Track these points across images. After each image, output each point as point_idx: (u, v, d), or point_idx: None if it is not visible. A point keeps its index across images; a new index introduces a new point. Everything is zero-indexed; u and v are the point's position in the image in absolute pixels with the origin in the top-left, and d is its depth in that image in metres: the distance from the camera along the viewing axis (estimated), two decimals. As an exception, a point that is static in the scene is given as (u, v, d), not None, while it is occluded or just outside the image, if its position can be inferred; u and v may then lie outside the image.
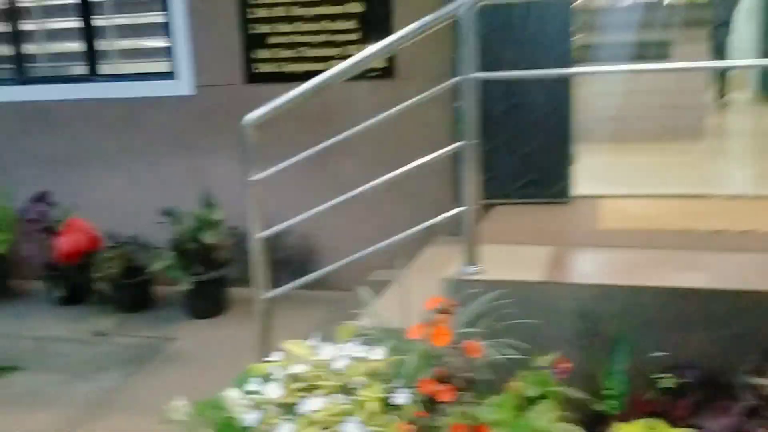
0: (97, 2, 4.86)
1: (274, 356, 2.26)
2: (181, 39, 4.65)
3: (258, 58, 4.53)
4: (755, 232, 3.11)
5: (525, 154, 4.00)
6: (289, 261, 4.70)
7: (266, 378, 2.15)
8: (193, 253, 4.30)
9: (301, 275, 4.61)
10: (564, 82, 3.90)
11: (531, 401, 2.17)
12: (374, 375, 2.01)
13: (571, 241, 3.22)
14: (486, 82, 2.71)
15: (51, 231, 4.59)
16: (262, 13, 4.47)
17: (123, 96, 4.85)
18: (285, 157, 3.15)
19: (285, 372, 2.10)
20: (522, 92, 3.91)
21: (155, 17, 4.78)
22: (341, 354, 2.13)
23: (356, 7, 4.33)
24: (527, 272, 2.72)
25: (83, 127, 4.97)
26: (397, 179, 2.82)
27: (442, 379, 1.90)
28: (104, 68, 4.96)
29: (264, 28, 4.48)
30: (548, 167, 3.97)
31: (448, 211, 2.79)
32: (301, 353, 2.25)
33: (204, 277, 4.30)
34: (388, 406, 1.93)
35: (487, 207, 3.88)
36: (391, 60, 4.28)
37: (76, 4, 4.86)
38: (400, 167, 2.84)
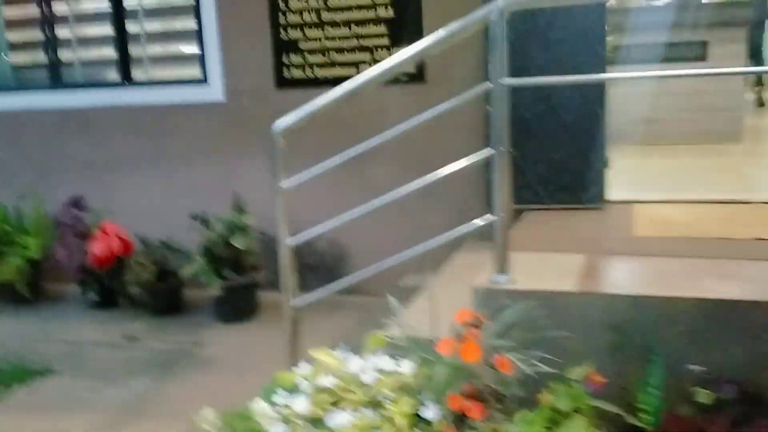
0: (131, 10, 4.90)
1: (302, 366, 2.24)
2: (213, 45, 4.67)
3: (288, 64, 4.53)
4: (797, 240, 3.02)
5: (557, 157, 3.94)
6: (319, 266, 4.70)
7: (294, 389, 2.14)
8: (224, 258, 4.32)
9: (331, 280, 4.62)
10: (597, 84, 3.83)
11: (563, 416, 2.12)
12: (403, 389, 1.98)
13: (605, 248, 3.15)
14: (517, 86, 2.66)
15: (85, 235, 4.64)
16: (292, 18, 4.47)
17: (155, 102, 4.90)
18: (314, 162, 3.13)
19: (313, 384, 2.08)
20: (554, 95, 3.85)
21: (187, 24, 4.81)
22: (370, 366, 2.11)
23: (386, 12, 4.31)
24: (559, 282, 2.66)
25: (117, 133, 5.02)
26: (427, 183, 2.78)
27: (471, 395, 1.86)
28: (138, 74, 5.00)
29: (294, 34, 4.48)
30: (581, 171, 3.91)
31: (478, 215, 2.75)
32: (330, 363, 2.23)
33: (234, 281, 4.31)
34: (417, 422, 1.90)
35: (519, 212, 3.83)
36: (420, 64, 4.25)
37: (111, 12, 4.91)
38: (429, 171, 2.81)
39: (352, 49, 4.41)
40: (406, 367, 2.07)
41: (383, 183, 4.29)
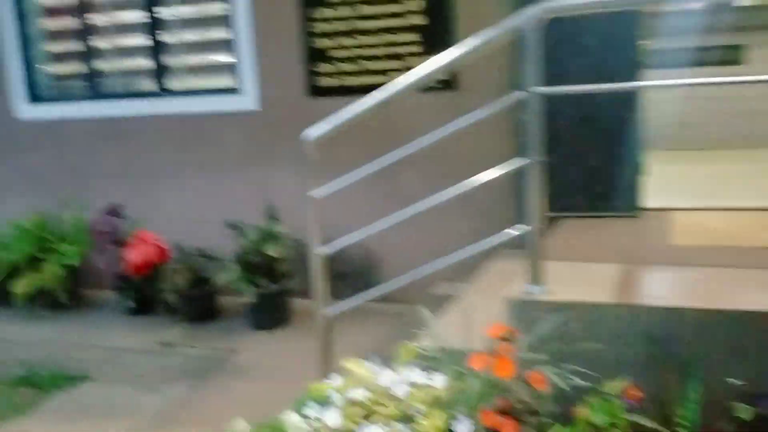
0: (167, 20, 4.97)
1: (334, 378, 2.24)
2: (246, 55, 4.71)
3: (320, 72, 4.55)
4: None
5: (592, 164, 3.89)
6: (350, 273, 4.70)
7: (325, 401, 2.13)
8: (257, 266, 4.34)
9: (363, 287, 4.62)
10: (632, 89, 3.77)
11: (599, 431, 2.08)
12: (435, 403, 1.96)
13: (642, 258, 3.09)
14: (551, 93, 2.63)
15: (122, 243, 4.70)
16: (324, 27, 4.49)
17: (190, 111, 4.95)
18: (345, 168, 3.13)
19: (344, 396, 2.07)
20: (588, 101, 3.80)
21: (221, 34, 4.86)
22: (401, 379, 2.10)
23: (418, 20, 4.30)
24: (594, 293, 2.62)
25: (152, 141, 5.09)
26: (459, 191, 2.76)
27: (505, 411, 1.84)
28: (172, 84, 5.06)
29: (326, 43, 4.50)
30: (617, 178, 3.85)
31: (511, 223, 2.72)
32: (361, 375, 2.22)
33: (267, 289, 4.33)
34: (449, 436, 1.88)
35: (553, 220, 3.79)
36: (452, 71, 4.23)
37: (146, 22, 4.98)
38: (460, 178, 2.79)
39: (383, 57, 4.41)
40: (439, 380, 2.06)
41: (414, 189, 4.30)
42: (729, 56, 5.79)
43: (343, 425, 1.95)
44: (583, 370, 2.22)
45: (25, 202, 5.25)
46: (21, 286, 4.76)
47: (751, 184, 4.49)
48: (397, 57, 4.38)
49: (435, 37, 4.28)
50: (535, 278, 2.64)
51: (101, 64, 5.22)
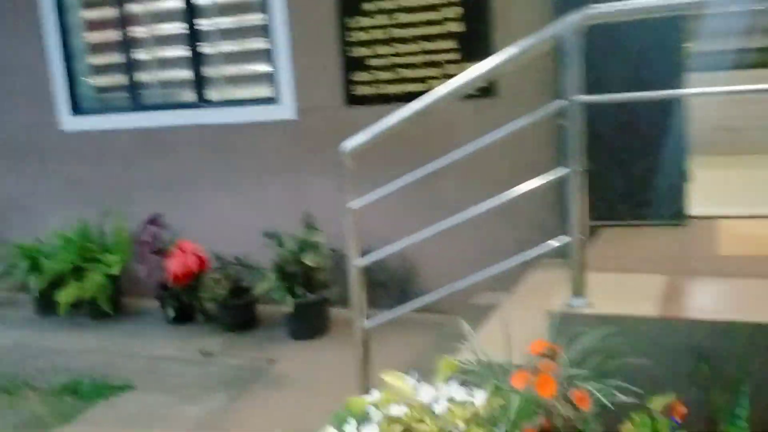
0: (204, 31, 5.01)
1: (373, 393, 2.21)
2: (283, 64, 4.72)
3: (357, 81, 4.54)
4: None
5: (635, 171, 3.81)
6: (389, 282, 4.68)
7: (364, 417, 2.10)
8: (295, 275, 4.35)
9: (401, 296, 4.62)
10: (676, 94, 3.68)
11: (645, 450, 2.02)
12: (475, 420, 1.92)
13: (687, 268, 3.01)
14: (592, 100, 2.58)
15: (163, 252, 4.75)
16: (361, 36, 4.48)
17: (229, 121, 4.99)
18: (382, 176, 3.10)
19: (382, 412, 2.04)
20: (630, 105, 3.73)
21: (258, 44, 4.88)
22: (441, 395, 2.06)
23: (456, 27, 4.26)
24: (639, 305, 2.55)
25: (192, 151, 5.14)
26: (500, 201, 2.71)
27: (547, 430, 1.79)
28: (211, 94, 5.10)
29: (363, 51, 4.49)
30: (661, 185, 3.76)
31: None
32: (400, 389, 2.19)
33: (305, 298, 4.33)
34: (490, 455, 1.84)
35: (595, 229, 3.71)
36: (490, 79, 4.18)
37: (185, 34, 5.03)
38: (500, 186, 2.75)
39: (421, 65, 4.38)
40: (479, 396, 2.01)
41: (451, 197, 4.28)
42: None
43: (381, 443, 1.92)
44: (627, 385, 2.16)
45: (69, 213, 5.34)
46: (65, 296, 4.85)
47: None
48: (434, 64, 4.35)
49: (472, 44, 4.24)
50: (578, 290, 2.59)
51: (142, 76, 5.29)
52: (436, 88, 2.71)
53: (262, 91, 4.94)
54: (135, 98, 5.30)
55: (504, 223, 4.14)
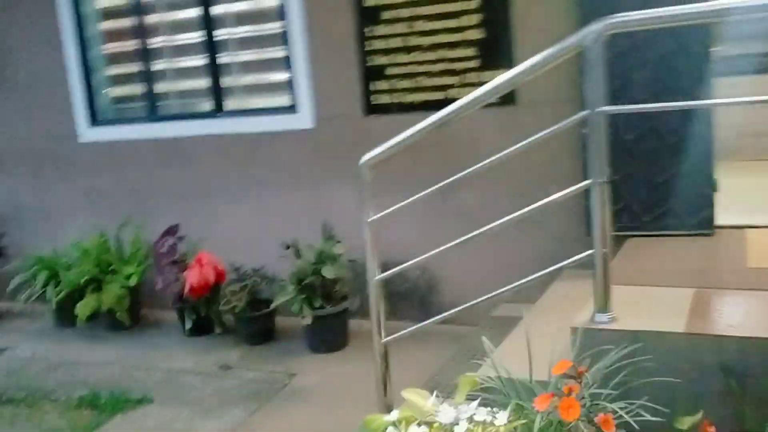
0: (222, 40, 5.00)
1: (392, 413, 2.16)
2: (302, 74, 4.70)
3: (376, 90, 4.50)
4: None
5: (661, 180, 3.72)
6: (410, 293, 4.63)
7: (383, 438, 2.05)
8: (314, 287, 4.30)
9: (422, 306, 4.56)
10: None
11: (674, 473, 1.95)
12: (497, 443, 1.86)
13: (716, 281, 2.92)
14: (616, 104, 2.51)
15: (181, 264, 4.73)
16: (379, 44, 4.44)
17: (247, 130, 4.97)
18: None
19: (402, 433, 1.99)
20: (655, 113, 3.65)
21: (276, 53, 4.86)
22: (462, 415, 2.00)
23: (475, 34, 4.21)
24: (665, 321, 2.47)
25: (210, 162, 5.13)
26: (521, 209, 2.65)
27: (572, 454, 1.73)
28: (229, 104, 5.09)
29: (382, 60, 4.45)
30: (687, 194, 3.67)
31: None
32: (419, 407, 2.14)
33: (324, 310, 4.28)
34: (512, 480, 1.78)
35: (620, 240, 3.63)
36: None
37: (203, 43, 5.02)
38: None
39: (440, 73, 4.33)
40: (501, 417, 1.95)
41: (472, 207, 4.21)
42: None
43: (400, 466, 1.86)
44: (654, 404, 2.09)
45: (88, 223, 5.35)
46: (83, 307, 4.84)
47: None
48: (454, 73, 4.30)
49: (492, 52, 4.18)
50: (602, 304, 2.52)
51: (160, 86, 5.29)
52: (458, 102, 2.65)
53: (281, 100, 4.92)
54: (153, 108, 5.30)
55: (526, 233, 4.07)
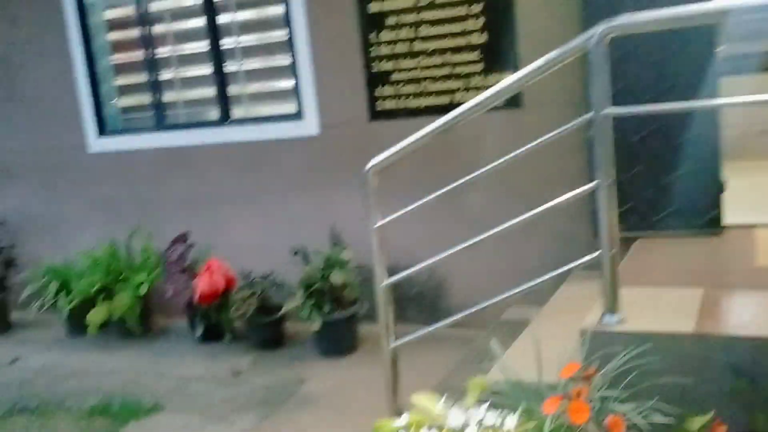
0: (228, 49, 5.03)
1: (402, 418, 2.17)
2: (307, 81, 4.72)
3: (381, 95, 4.51)
4: None
5: (668, 180, 3.72)
6: (418, 297, 4.63)
7: (393, 442, 2.06)
8: (323, 292, 4.31)
9: (430, 309, 4.57)
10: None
11: (684, 474, 1.95)
12: (506, 447, 1.87)
13: (725, 281, 2.92)
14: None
15: (190, 271, 4.75)
16: (384, 50, 4.46)
17: (253, 138, 4.99)
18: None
19: (412, 438, 2.00)
20: (663, 114, 3.64)
21: (282, 60, 4.88)
22: (471, 419, 2.01)
23: (479, 38, 4.22)
24: (675, 321, 2.47)
25: (217, 170, 5.15)
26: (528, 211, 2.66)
27: (581, 457, 1.73)
28: (235, 112, 5.11)
29: (387, 65, 4.46)
30: (695, 194, 3.67)
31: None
32: (428, 412, 2.15)
33: (333, 316, 4.29)
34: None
35: (628, 241, 3.63)
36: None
37: (209, 52, 5.05)
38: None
39: (445, 78, 4.34)
40: (510, 421, 1.96)
41: (479, 210, 4.22)
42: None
43: (410, 471, 1.87)
44: (664, 405, 2.09)
45: (98, 232, 5.38)
46: (94, 316, 4.87)
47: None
48: (458, 77, 4.31)
49: (496, 55, 4.19)
50: (610, 306, 2.52)
51: (167, 95, 5.32)
52: (463, 106, 2.66)
53: (287, 107, 4.94)
54: (161, 118, 5.33)
55: (533, 235, 4.07)
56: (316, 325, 4.25)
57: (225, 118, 5.11)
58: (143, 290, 4.98)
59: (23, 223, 5.83)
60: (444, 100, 4.34)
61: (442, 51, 4.32)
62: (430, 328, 2.93)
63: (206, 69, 5.11)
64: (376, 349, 3.03)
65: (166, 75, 5.29)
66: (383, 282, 2.86)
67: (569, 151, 3.91)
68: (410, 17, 4.36)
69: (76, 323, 5.02)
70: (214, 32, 5.01)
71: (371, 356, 4.11)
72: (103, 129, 5.46)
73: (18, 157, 5.78)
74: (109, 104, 5.49)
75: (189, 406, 3.93)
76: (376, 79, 4.51)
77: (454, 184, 2.73)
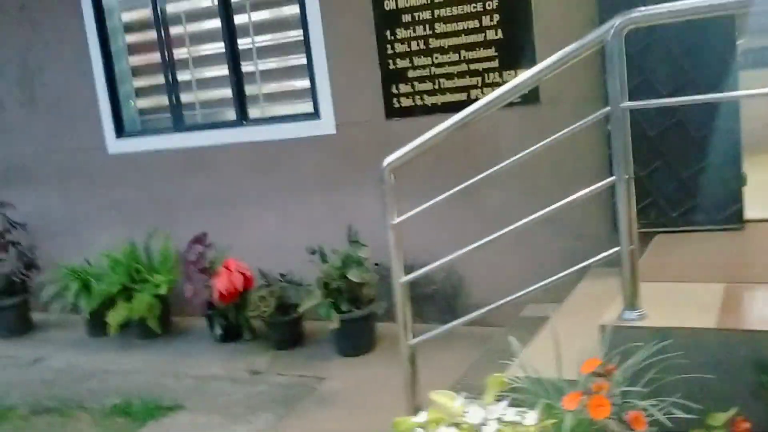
0: (245, 50, 5.04)
1: (420, 415, 2.16)
2: (323, 80, 4.72)
3: (397, 93, 4.51)
4: None
5: (688, 175, 3.68)
6: (435, 295, 4.62)
7: (412, 440, 2.05)
8: (340, 291, 4.32)
9: (448, 307, 4.56)
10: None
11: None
12: (526, 443, 1.85)
13: (747, 275, 2.88)
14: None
15: (209, 271, 4.77)
16: (400, 48, 4.44)
17: (270, 138, 4.99)
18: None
19: (431, 435, 1.99)
20: (680, 107, 3.60)
21: (298, 60, 4.89)
22: (490, 416, 2.00)
23: (495, 35, 4.20)
24: (696, 317, 2.45)
25: (235, 170, 5.17)
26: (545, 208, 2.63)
27: (602, 453, 1.71)
28: (252, 112, 5.13)
29: (402, 63, 4.45)
30: (715, 188, 3.63)
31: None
32: (448, 409, 2.14)
33: (351, 314, 4.29)
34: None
35: (647, 236, 3.60)
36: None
37: (226, 53, 5.07)
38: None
39: (461, 74, 4.32)
40: (530, 417, 1.94)
41: (498, 206, 4.20)
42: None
43: (429, 468, 1.86)
44: (686, 402, 2.07)
45: (117, 233, 5.42)
46: (114, 316, 4.90)
47: None
48: (474, 73, 4.29)
49: (512, 51, 4.17)
50: (630, 302, 2.50)
51: (184, 97, 5.34)
52: (478, 102, 2.65)
53: (303, 107, 4.94)
54: (178, 119, 5.36)
55: (551, 232, 4.05)
56: (334, 323, 4.25)
57: (242, 119, 5.13)
58: (162, 291, 5.01)
59: (43, 225, 5.88)
60: (460, 96, 4.32)
61: (458, 48, 4.30)
62: (449, 326, 2.92)
63: (223, 70, 5.13)
64: (394, 347, 3.03)
65: (183, 76, 5.32)
66: (401, 280, 2.85)
67: (589, 147, 3.88)
68: (425, 14, 4.34)
69: (97, 324, 5.06)
70: (230, 33, 5.03)
71: (389, 354, 4.10)
72: (121, 131, 5.50)
73: (37, 159, 5.84)
74: (128, 106, 5.53)
75: (208, 406, 3.94)
76: (391, 77, 4.50)
77: (471, 181, 2.71)
